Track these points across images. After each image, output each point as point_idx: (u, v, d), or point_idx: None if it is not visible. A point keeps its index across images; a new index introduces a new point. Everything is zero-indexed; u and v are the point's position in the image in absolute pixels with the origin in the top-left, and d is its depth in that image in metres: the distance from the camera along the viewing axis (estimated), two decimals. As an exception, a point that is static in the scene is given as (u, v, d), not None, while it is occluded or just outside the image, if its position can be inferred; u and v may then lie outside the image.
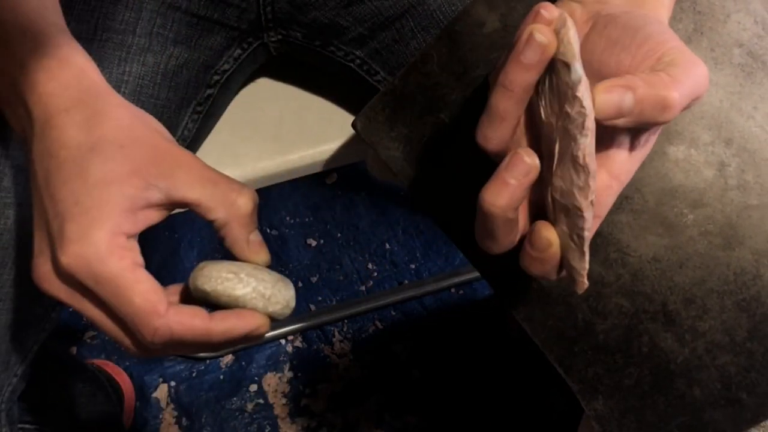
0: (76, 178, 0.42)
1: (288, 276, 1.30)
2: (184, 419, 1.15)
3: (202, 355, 1.19)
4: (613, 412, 0.53)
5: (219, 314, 0.42)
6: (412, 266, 1.29)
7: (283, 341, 1.22)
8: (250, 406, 1.16)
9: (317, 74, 0.74)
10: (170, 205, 0.44)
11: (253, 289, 0.43)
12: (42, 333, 0.59)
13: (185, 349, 0.44)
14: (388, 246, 1.31)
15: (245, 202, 0.44)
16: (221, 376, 1.19)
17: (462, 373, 1.19)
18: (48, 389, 0.71)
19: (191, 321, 0.41)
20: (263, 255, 0.46)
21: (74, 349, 1.19)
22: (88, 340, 1.21)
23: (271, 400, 1.17)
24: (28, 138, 0.45)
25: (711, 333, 0.51)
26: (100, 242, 0.40)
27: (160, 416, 1.15)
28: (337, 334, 1.23)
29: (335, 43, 0.66)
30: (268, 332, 0.45)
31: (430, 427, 1.15)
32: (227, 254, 0.46)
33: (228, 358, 1.20)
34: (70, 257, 0.40)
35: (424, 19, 0.61)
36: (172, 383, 1.17)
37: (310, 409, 1.16)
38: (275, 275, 0.45)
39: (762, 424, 0.52)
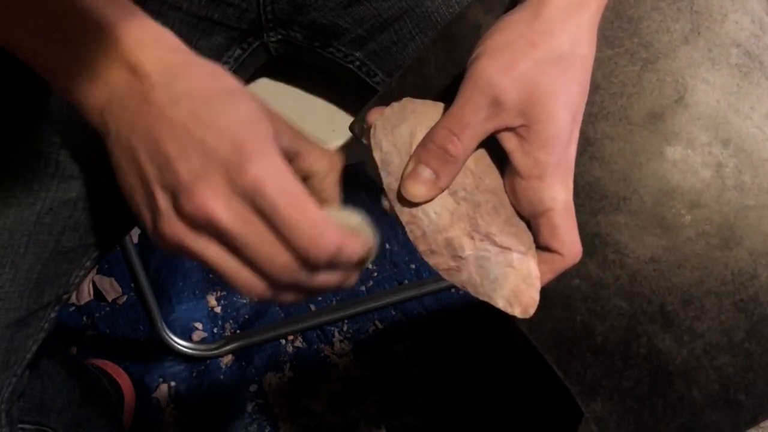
0: (230, 110, 0.41)
1: (288, 276, 1.31)
2: (184, 419, 1.15)
3: (202, 355, 1.19)
4: (611, 414, 0.53)
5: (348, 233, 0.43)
6: (412, 266, 1.29)
7: (283, 341, 1.22)
8: (250, 406, 1.16)
9: (317, 75, 0.74)
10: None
11: (362, 220, 0.46)
12: (42, 333, 0.59)
13: (305, 290, 0.44)
14: (388, 246, 1.31)
15: (340, 157, 0.47)
16: (221, 376, 1.19)
17: (462, 373, 1.19)
18: (48, 389, 0.71)
19: (346, 235, 0.42)
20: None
21: (74, 349, 1.20)
22: (88, 340, 1.21)
23: (271, 400, 1.17)
24: (128, 96, 0.42)
25: (709, 334, 0.51)
26: (279, 159, 0.41)
27: (160, 416, 1.15)
28: (337, 334, 1.23)
29: (335, 44, 0.66)
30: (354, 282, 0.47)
31: (430, 427, 1.15)
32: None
33: (228, 358, 1.20)
34: (258, 168, 0.40)
35: (421, 21, 0.61)
36: (172, 383, 1.18)
37: (310, 409, 1.16)
38: None
39: (761, 424, 0.52)
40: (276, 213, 0.40)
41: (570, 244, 0.46)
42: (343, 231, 0.42)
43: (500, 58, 0.45)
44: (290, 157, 0.45)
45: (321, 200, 0.47)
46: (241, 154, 0.40)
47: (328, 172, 0.47)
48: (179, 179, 0.41)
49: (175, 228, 0.42)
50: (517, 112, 0.45)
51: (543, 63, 0.44)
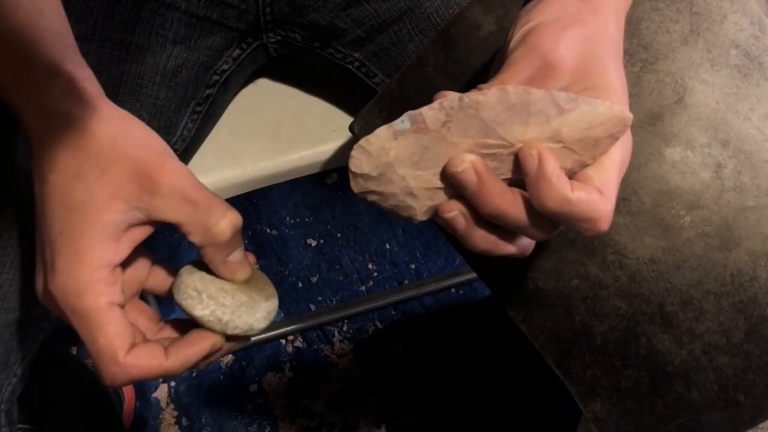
0: (61, 206, 0.43)
1: (288, 276, 1.31)
2: (184, 419, 1.15)
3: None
4: (611, 414, 0.53)
5: (173, 348, 0.44)
6: (412, 266, 1.29)
7: (283, 341, 1.22)
8: (250, 406, 1.17)
9: (317, 75, 0.74)
10: (153, 223, 0.44)
11: (210, 313, 0.45)
12: (41, 333, 0.59)
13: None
14: (388, 246, 1.31)
15: (222, 230, 0.44)
16: (221, 376, 1.19)
17: (462, 373, 1.19)
18: (48, 389, 0.71)
19: (148, 363, 0.43)
20: (241, 274, 0.46)
21: (74, 349, 1.20)
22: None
23: (271, 400, 1.17)
24: (29, 149, 0.45)
25: (708, 335, 0.51)
26: (81, 277, 0.42)
27: (160, 416, 1.15)
28: (337, 334, 1.23)
29: (334, 45, 0.66)
30: (231, 350, 0.47)
31: (430, 427, 1.15)
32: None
33: (228, 358, 1.20)
34: (55, 287, 0.42)
35: (421, 21, 0.61)
36: (172, 383, 1.18)
37: (310, 409, 1.16)
38: (244, 297, 0.46)
39: (759, 425, 0.52)
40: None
41: (610, 191, 0.41)
42: (144, 353, 0.43)
43: (554, 26, 0.43)
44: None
45: (213, 270, 0.46)
46: (51, 266, 0.43)
47: (204, 246, 0.45)
48: (36, 263, 0.45)
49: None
50: (565, 81, 0.43)
51: (592, 40, 0.43)
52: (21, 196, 0.54)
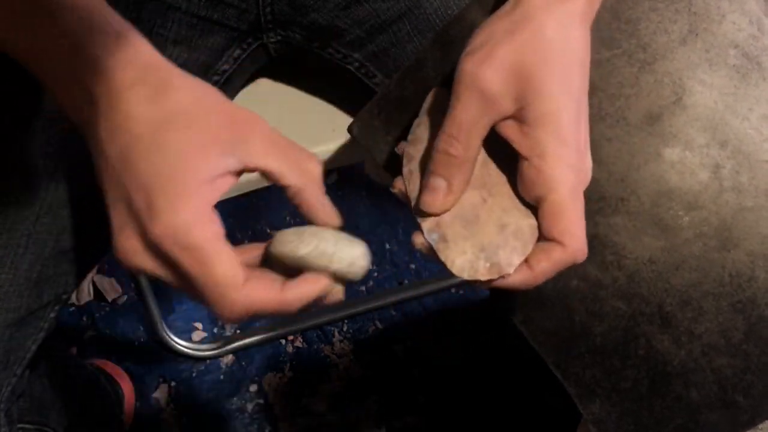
0: (155, 151, 0.42)
1: (288, 276, 1.30)
2: (184, 419, 1.15)
3: (202, 355, 1.19)
4: (610, 415, 0.53)
5: (289, 284, 0.44)
6: (412, 266, 1.29)
7: (283, 341, 1.22)
8: (250, 406, 1.17)
9: (317, 76, 0.74)
10: (243, 171, 0.44)
11: (314, 247, 0.44)
12: (41, 333, 0.59)
13: (262, 315, 0.45)
14: (388, 246, 1.31)
15: (315, 167, 0.45)
16: (221, 376, 1.19)
17: (462, 373, 1.19)
18: (48, 389, 0.71)
19: (266, 294, 0.42)
20: (335, 218, 0.46)
21: (74, 349, 1.20)
22: (88, 340, 1.21)
23: (271, 400, 1.17)
24: (87, 119, 0.44)
25: (707, 335, 0.51)
26: (188, 212, 0.41)
27: (160, 416, 1.15)
28: (337, 334, 1.23)
29: (334, 45, 0.66)
30: (341, 298, 0.47)
31: (430, 427, 1.15)
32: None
33: (228, 358, 1.20)
34: (160, 227, 0.41)
35: (420, 22, 0.61)
36: (172, 383, 1.18)
37: (310, 409, 1.16)
38: (341, 235, 0.46)
39: (758, 426, 0.52)
40: (182, 271, 0.41)
41: (571, 236, 0.44)
42: (261, 284, 0.42)
43: (480, 52, 0.45)
44: (250, 171, 0.45)
45: (310, 215, 0.46)
46: (150, 209, 0.41)
47: (303, 187, 0.45)
48: (112, 224, 0.43)
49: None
50: (510, 99, 0.44)
51: (524, 47, 0.44)
52: (21, 196, 0.54)
